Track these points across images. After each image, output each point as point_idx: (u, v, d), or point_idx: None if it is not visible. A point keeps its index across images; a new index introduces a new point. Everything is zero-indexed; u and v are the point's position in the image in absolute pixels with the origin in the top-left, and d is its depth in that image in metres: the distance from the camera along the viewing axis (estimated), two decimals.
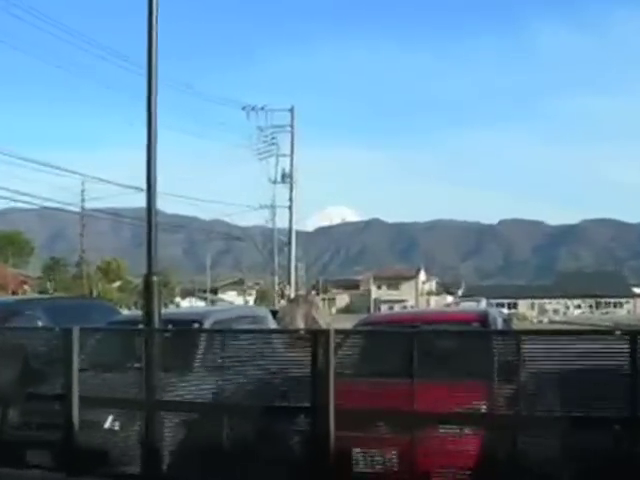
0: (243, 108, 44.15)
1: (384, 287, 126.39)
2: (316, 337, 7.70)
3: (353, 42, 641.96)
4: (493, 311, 11.92)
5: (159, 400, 8.17)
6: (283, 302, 37.97)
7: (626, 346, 6.79)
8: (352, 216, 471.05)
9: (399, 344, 7.99)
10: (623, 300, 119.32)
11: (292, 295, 37.12)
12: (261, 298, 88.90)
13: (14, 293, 52.20)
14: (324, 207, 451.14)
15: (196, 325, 10.19)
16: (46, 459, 8.47)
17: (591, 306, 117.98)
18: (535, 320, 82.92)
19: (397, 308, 79.72)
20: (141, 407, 8.26)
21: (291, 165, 44.65)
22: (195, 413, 8.26)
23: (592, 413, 6.84)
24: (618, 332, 7.36)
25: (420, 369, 7.35)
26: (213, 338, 8.68)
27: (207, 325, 10.19)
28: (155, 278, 9.58)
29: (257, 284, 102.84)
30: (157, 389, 8.19)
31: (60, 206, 46.77)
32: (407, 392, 7.31)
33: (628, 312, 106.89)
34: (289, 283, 44.01)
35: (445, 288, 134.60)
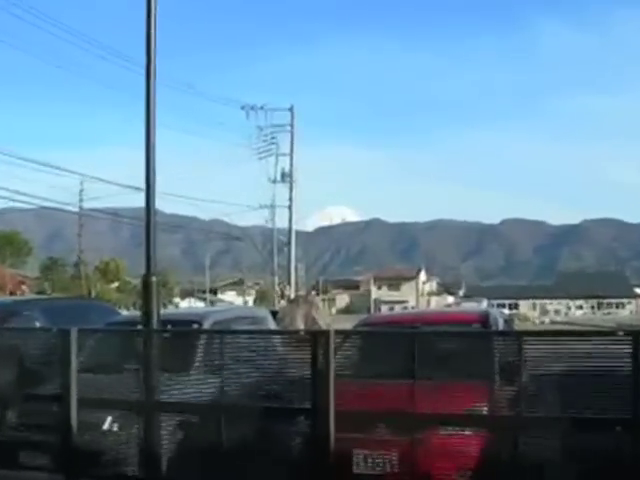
0: (242, 107, 44.19)
1: (384, 287, 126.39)
2: (316, 338, 7.66)
3: (354, 41, 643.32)
4: (494, 312, 11.89)
5: (158, 401, 8.13)
6: (283, 302, 37.95)
7: (628, 347, 6.73)
8: (352, 216, 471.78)
9: (399, 345, 7.95)
10: (625, 301, 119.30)
11: (292, 295, 37.08)
12: (261, 298, 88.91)
13: (12, 293, 52.00)
14: (324, 207, 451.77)
15: (195, 326, 10.17)
16: (44, 461, 8.42)
17: (593, 307, 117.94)
18: (537, 321, 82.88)
19: (397, 309, 79.67)
20: (140, 408, 8.22)
21: (291, 164, 44.67)
22: (194, 414, 8.22)
23: (594, 414, 6.79)
24: (620, 333, 7.31)
25: (421, 370, 7.31)
26: (212, 339, 8.61)
27: (206, 326, 10.15)
28: (154, 278, 9.53)
29: (257, 284, 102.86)
30: (156, 390, 8.15)
31: (58, 206, 46.63)
32: (408, 393, 7.27)
33: (630, 313, 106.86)
34: (289, 283, 43.99)
35: (446, 288, 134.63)
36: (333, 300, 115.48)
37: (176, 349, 8.64)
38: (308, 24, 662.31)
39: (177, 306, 74.01)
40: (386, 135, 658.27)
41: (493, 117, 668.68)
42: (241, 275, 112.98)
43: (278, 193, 45.48)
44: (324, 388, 7.43)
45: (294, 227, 45.32)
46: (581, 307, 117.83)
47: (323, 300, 74.94)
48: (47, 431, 8.41)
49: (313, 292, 51.75)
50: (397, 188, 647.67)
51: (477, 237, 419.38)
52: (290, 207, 44.51)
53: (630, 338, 6.80)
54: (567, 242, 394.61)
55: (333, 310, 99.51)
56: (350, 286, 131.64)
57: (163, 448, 8.04)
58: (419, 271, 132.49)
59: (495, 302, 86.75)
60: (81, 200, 57.10)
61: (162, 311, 10.21)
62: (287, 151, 44.66)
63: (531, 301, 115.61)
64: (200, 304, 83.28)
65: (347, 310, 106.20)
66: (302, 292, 39.84)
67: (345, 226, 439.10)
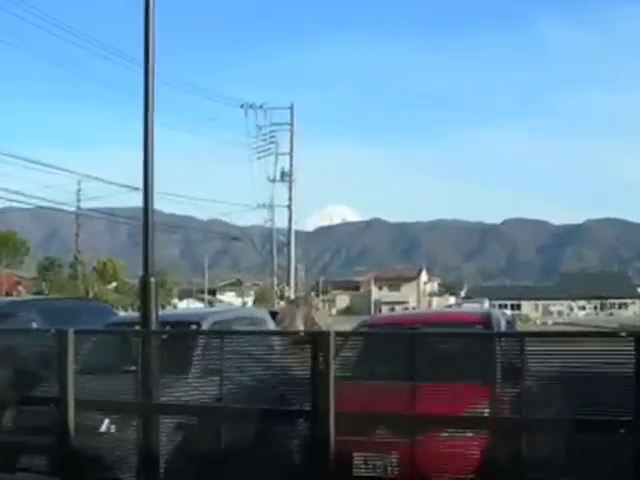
0: (241, 106, 43.96)
1: (385, 288, 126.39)
2: (316, 339, 7.60)
3: (354, 39, 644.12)
4: (496, 312, 11.85)
5: (156, 403, 8.06)
6: (282, 303, 37.87)
7: (631, 348, 6.65)
8: (353, 216, 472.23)
9: (400, 346, 7.88)
10: (628, 301, 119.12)
11: (292, 296, 37.02)
12: (260, 299, 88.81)
13: (8, 294, 52.01)
14: (324, 206, 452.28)
15: (194, 327, 10.11)
16: (41, 463, 8.37)
17: (596, 307, 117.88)
18: (539, 322, 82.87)
19: (398, 309, 79.60)
20: (138, 410, 8.15)
21: (290, 164, 44.47)
22: (193, 416, 8.15)
23: (596, 416, 6.73)
24: (623, 334, 7.24)
25: (421, 372, 7.25)
26: (211, 340, 8.55)
27: (205, 327, 10.10)
28: (152, 279, 9.46)
29: (256, 285, 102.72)
30: (154, 392, 8.07)
31: (55, 205, 46.31)
32: (408, 395, 7.21)
33: (633, 313, 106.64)
34: (288, 284, 43.87)
35: (447, 289, 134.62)
36: (333, 301, 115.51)
37: (175, 350, 8.58)
38: (307, 22, 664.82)
39: (175, 307, 73.93)
40: (387, 133, 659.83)
41: (495, 115, 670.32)
42: (240, 275, 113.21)
43: (277, 192, 45.30)
44: (324, 390, 7.36)
45: (294, 227, 45.20)
46: (584, 308, 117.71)
47: (323, 301, 75.02)
48: (44, 433, 8.34)
49: (312, 293, 51.76)
50: (398, 187, 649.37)
51: (479, 237, 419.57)
52: (290, 207, 44.36)
53: (633, 339, 6.72)
54: (570, 242, 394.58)
55: (333, 311, 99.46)
56: (350, 287, 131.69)
57: (161, 450, 7.97)
58: (420, 271, 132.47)
59: (497, 303, 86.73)
60: (79, 200, 56.98)
61: (160, 312, 10.15)
62: (287, 150, 44.46)
63: (533, 302, 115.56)
64: (199, 305, 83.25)
65: (347, 311, 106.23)
66: (302, 293, 39.82)
67: (345, 226, 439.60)
